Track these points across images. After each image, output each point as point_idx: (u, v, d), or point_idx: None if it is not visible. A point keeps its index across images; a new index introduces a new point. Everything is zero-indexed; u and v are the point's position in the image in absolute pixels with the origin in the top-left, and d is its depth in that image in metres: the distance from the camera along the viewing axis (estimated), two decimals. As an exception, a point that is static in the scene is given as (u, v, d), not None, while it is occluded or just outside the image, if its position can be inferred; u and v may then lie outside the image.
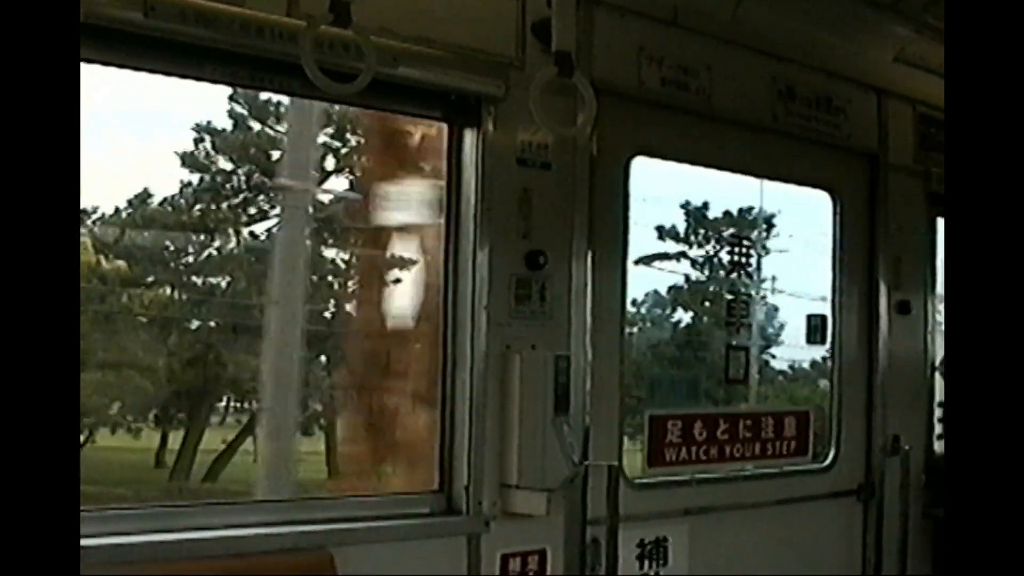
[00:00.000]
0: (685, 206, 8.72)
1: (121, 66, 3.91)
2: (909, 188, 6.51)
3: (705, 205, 8.74)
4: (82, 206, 7.09)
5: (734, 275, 5.95)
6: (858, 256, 6.39)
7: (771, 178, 6.04)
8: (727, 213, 7.27)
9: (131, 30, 3.71)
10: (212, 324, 10.60)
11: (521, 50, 4.70)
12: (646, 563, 5.17)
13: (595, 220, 4.99)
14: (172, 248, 10.58)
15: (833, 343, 6.34)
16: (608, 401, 5.06)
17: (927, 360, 6.66)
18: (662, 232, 8.36)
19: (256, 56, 4.00)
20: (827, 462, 6.23)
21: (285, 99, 9.09)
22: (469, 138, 4.63)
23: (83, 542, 3.54)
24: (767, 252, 6.53)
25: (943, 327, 6.49)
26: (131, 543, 3.77)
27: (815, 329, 6.37)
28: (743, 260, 5.96)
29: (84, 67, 3.74)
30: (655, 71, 5.24)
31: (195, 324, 10.56)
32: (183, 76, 4.07)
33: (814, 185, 6.31)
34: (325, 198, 9.39)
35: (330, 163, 9.79)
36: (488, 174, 4.60)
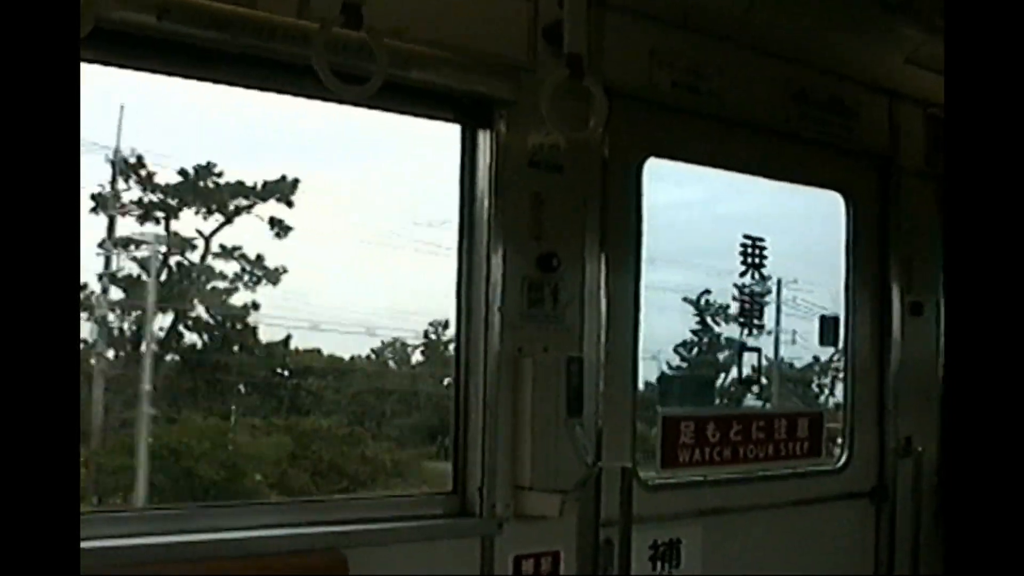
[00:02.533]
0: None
1: (135, 69, 3.93)
2: (921, 190, 6.48)
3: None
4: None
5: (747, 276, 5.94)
6: (870, 258, 6.39)
7: (783, 180, 6.03)
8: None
9: (145, 33, 3.71)
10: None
11: (533, 53, 4.70)
12: (659, 564, 5.16)
13: (608, 222, 4.99)
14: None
15: (846, 345, 6.35)
16: (621, 403, 5.06)
17: (939, 361, 6.64)
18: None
19: (268, 58, 4.00)
20: (840, 463, 6.23)
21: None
22: (482, 140, 4.63)
23: (98, 543, 3.62)
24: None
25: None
26: (146, 544, 3.78)
27: (828, 330, 6.37)
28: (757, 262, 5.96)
29: (104, 71, 3.80)
30: (666, 73, 5.24)
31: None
32: (196, 79, 4.08)
33: (827, 187, 6.31)
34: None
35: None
36: (501, 176, 4.60)
